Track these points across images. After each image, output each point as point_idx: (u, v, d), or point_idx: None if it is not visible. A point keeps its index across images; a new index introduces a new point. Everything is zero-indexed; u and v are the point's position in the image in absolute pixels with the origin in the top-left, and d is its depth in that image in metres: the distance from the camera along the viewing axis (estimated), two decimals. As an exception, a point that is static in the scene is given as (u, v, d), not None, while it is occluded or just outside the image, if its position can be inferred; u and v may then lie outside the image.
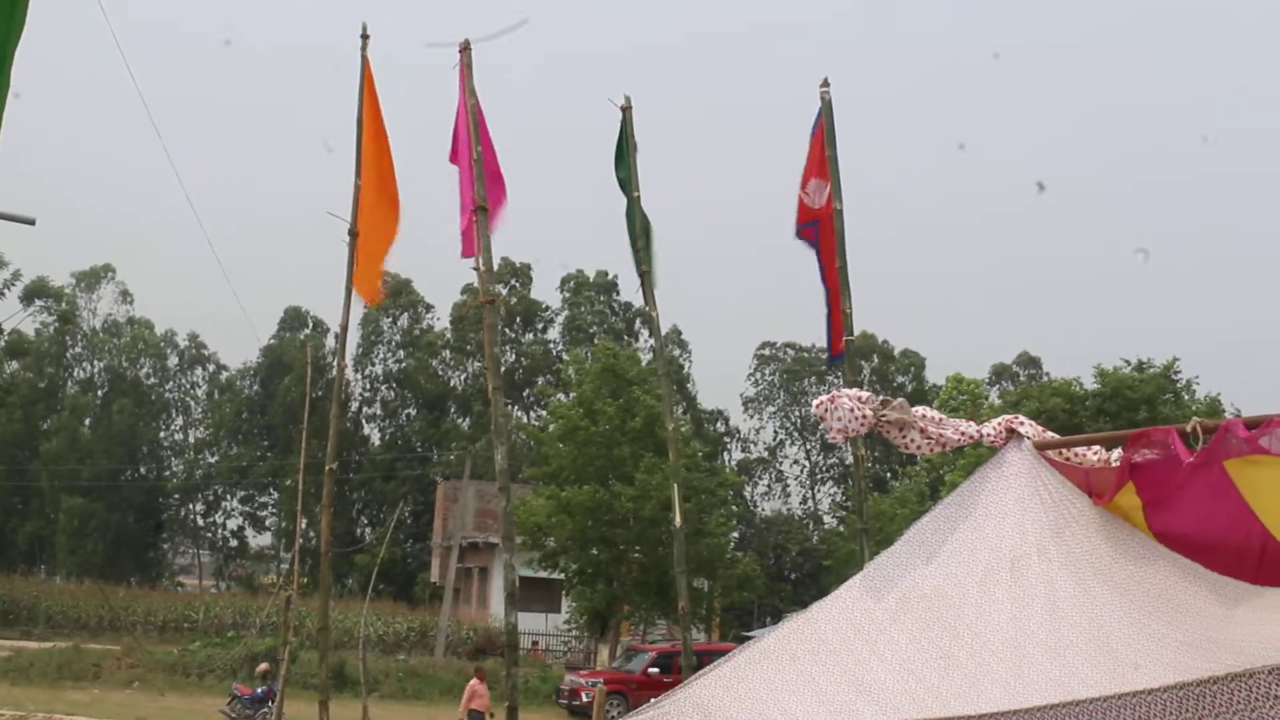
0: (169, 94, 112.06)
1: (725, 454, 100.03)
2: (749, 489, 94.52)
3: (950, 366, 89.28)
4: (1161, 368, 60.69)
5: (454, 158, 16.75)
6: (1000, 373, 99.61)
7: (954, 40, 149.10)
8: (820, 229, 16.91)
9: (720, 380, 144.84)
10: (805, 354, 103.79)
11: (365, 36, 18.10)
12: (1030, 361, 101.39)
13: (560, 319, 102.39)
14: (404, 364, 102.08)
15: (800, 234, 17.34)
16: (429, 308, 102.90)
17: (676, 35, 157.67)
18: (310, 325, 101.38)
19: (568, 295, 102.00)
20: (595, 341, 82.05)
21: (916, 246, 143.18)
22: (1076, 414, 54.90)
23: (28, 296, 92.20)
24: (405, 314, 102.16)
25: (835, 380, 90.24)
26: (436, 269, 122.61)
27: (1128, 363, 61.10)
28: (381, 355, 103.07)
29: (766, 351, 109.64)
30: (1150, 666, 5.05)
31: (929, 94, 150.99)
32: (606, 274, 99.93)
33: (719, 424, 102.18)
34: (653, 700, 6.41)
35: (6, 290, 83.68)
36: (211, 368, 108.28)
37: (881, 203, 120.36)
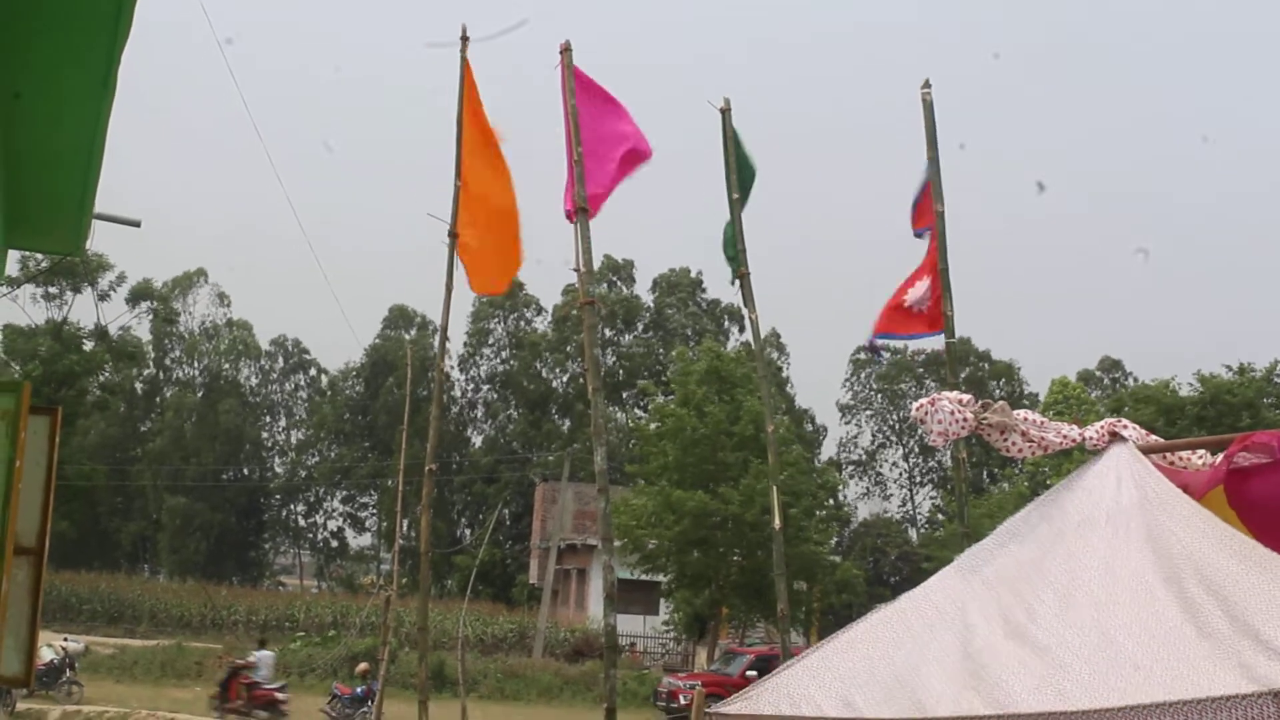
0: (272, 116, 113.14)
1: (816, 451, 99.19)
2: (842, 491, 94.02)
3: (1032, 372, 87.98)
4: (1264, 370, 58.84)
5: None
6: (1087, 379, 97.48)
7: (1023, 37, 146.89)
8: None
9: (809, 375, 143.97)
10: (900, 356, 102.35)
11: (465, 39, 18.06)
12: (1113, 365, 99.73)
13: (648, 319, 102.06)
14: (508, 365, 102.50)
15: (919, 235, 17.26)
16: (540, 310, 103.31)
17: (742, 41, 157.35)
18: (417, 325, 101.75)
19: (657, 296, 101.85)
20: (692, 342, 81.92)
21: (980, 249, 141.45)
22: (1174, 422, 53.42)
23: (134, 299, 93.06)
24: (512, 315, 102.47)
25: (932, 383, 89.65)
26: (538, 270, 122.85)
27: (1229, 368, 59.08)
28: (486, 356, 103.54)
29: (862, 356, 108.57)
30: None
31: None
32: (689, 271, 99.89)
33: (806, 424, 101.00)
34: (744, 690, 6.49)
35: (112, 292, 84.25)
36: (313, 373, 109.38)
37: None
